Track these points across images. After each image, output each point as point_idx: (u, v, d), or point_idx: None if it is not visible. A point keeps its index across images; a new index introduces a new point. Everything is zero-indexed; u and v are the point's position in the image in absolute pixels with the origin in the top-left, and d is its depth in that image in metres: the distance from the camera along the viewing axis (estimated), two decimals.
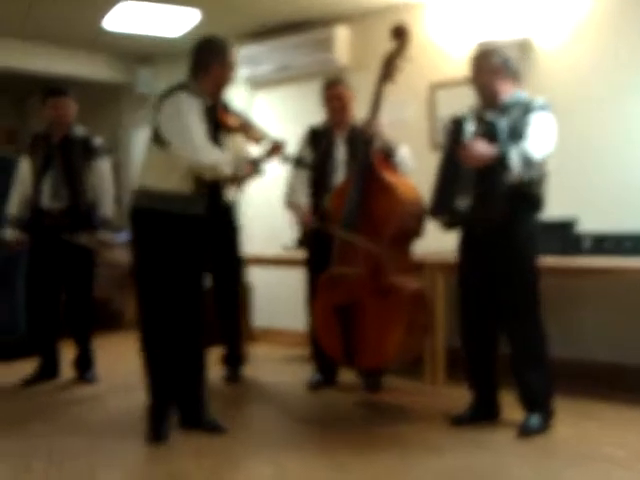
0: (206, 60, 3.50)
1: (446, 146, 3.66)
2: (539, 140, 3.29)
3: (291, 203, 4.47)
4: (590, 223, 4.24)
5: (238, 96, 4.74)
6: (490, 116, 3.42)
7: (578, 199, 4.40)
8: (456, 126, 3.58)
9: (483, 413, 3.65)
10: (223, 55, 3.51)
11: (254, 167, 3.54)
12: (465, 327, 3.67)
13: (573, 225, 4.18)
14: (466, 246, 3.65)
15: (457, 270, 3.72)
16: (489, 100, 3.53)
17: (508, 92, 3.51)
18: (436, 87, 5.27)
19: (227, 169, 3.37)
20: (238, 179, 3.58)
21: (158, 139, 3.41)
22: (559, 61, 4.70)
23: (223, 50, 3.52)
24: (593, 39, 4.57)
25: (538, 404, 3.49)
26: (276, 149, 3.58)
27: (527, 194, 3.40)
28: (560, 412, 3.56)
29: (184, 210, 3.41)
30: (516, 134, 3.32)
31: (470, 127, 3.45)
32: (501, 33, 4.86)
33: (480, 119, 3.47)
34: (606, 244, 4.09)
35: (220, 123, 3.52)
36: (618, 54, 4.47)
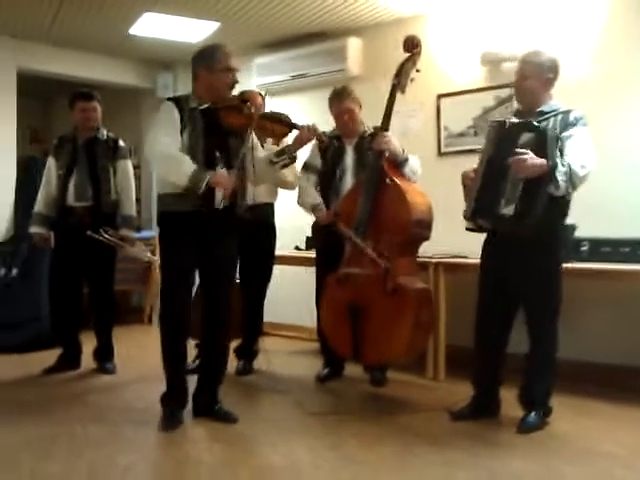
0: (195, 67, 3.54)
1: (489, 149, 3.45)
2: (582, 157, 3.25)
3: (311, 205, 4.38)
4: (588, 230, 4.22)
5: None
6: (537, 123, 3.35)
7: (577, 207, 4.37)
8: (502, 130, 3.42)
9: (483, 409, 3.64)
10: (210, 59, 3.48)
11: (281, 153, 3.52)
12: (481, 324, 3.60)
13: (572, 231, 4.16)
14: (495, 248, 3.55)
15: (480, 267, 3.63)
16: (529, 106, 3.47)
17: (547, 101, 3.46)
18: (442, 97, 5.27)
19: (181, 177, 3.31)
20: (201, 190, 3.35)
21: None
22: (564, 73, 4.68)
23: (210, 55, 3.50)
24: (596, 54, 4.57)
25: (539, 403, 3.48)
26: (308, 135, 3.51)
27: (561, 201, 3.36)
28: (560, 410, 3.56)
29: (180, 208, 3.40)
30: (558, 145, 3.28)
31: (523, 135, 3.31)
32: (505, 45, 4.86)
33: (529, 125, 3.34)
34: (603, 249, 4.08)
35: (223, 123, 3.47)
36: (619, 72, 4.46)
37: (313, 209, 4.37)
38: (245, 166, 3.53)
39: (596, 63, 4.57)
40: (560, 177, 3.19)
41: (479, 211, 3.45)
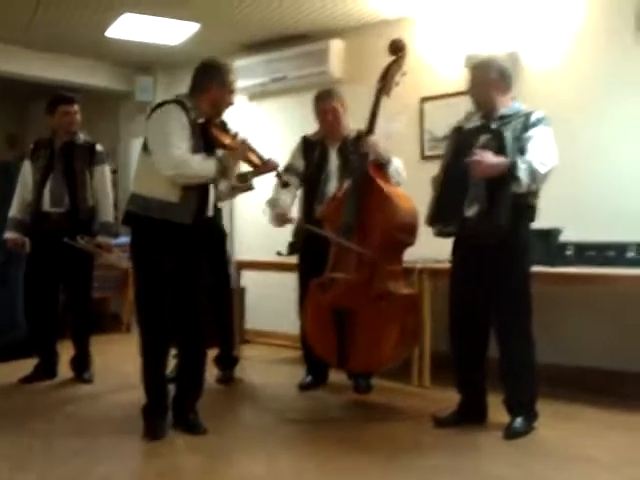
0: (206, 80, 3.49)
1: (448, 155, 3.58)
2: (543, 154, 3.28)
3: (268, 200, 4.38)
4: (573, 234, 4.23)
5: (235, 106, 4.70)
6: (495, 125, 3.41)
7: (562, 211, 4.40)
8: (459, 135, 3.55)
9: (469, 416, 3.63)
10: (223, 77, 3.50)
11: (243, 179, 3.59)
12: (455, 331, 3.61)
13: (557, 235, 4.18)
14: (463, 253, 3.56)
15: (450, 274, 3.65)
16: (486, 111, 3.50)
17: (506, 104, 3.48)
18: (426, 100, 5.28)
19: (208, 172, 3.36)
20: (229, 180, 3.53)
21: (146, 148, 3.42)
22: (545, 75, 4.71)
23: (224, 72, 3.52)
24: (579, 54, 4.60)
25: (523, 408, 3.48)
26: (266, 167, 3.59)
27: (525, 205, 3.38)
28: (544, 415, 3.56)
29: (169, 217, 3.35)
30: (519, 146, 3.33)
31: (481, 137, 3.40)
32: (489, 46, 4.87)
33: (485, 128, 3.44)
34: (588, 253, 4.10)
35: (213, 140, 3.50)
36: (603, 72, 4.48)
37: (269, 203, 4.36)
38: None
39: (576, 65, 4.60)
40: (521, 174, 3.20)
41: (442, 216, 3.51)
